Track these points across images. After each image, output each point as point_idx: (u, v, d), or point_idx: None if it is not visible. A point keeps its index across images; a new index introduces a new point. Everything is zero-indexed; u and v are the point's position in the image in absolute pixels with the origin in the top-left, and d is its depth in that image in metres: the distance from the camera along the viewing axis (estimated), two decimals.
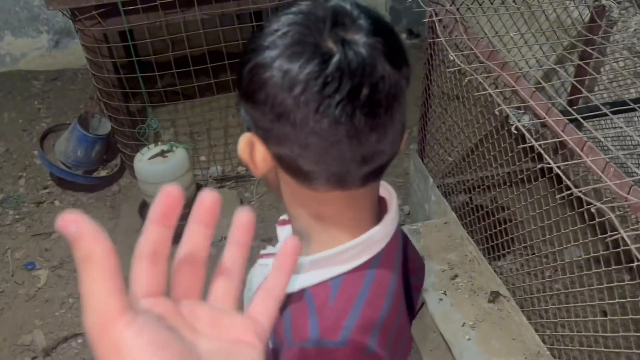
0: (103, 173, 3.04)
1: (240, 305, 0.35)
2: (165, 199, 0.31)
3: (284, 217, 0.74)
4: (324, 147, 0.52)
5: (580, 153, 1.24)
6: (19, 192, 2.96)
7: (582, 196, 1.05)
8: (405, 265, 0.68)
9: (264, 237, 2.54)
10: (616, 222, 1.02)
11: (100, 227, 0.28)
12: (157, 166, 2.47)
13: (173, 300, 0.32)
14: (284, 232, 0.72)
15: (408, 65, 0.54)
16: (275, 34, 0.51)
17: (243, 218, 0.34)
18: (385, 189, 0.66)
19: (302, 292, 0.60)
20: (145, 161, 2.49)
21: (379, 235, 0.61)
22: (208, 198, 0.33)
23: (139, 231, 0.31)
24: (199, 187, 2.69)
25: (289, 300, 0.61)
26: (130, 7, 2.40)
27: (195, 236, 0.33)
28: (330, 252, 0.59)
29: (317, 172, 0.54)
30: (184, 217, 0.32)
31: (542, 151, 1.21)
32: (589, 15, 2.06)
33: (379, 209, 0.64)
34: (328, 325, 0.56)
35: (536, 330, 1.72)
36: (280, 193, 0.62)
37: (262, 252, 0.76)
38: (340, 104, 0.49)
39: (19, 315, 2.36)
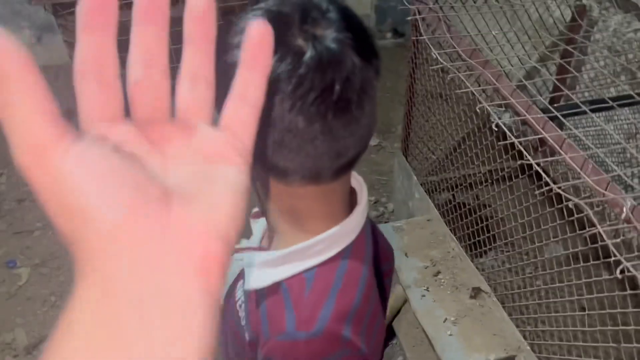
0: None
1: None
2: None
3: (256, 209, 0.74)
4: (299, 145, 0.52)
5: (560, 150, 1.25)
6: (0, 190, 2.92)
7: (561, 192, 1.07)
8: (376, 253, 0.69)
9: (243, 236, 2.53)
10: (593, 218, 1.04)
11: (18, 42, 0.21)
12: None
13: (136, 125, 0.26)
14: (257, 225, 0.73)
15: (377, 57, 0.54)
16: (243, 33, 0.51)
17: (196, 4, 0.27)
18: (356, 180, 0.67)
19: (277, 286, 0.61)
20: None
21: (349, 227, 0.62)
22: None
23: None
24: None
25: (264, 294, 0.61)
26: None
27: (145, 39, 0.26)
28: (303, 245, 0.60)
29: (291, 169, 0.55)
30: None
31: (522, 148, 1.22)
32: (571, 14, 2.09)
33: (350, 201, 0.65)
34: (305, 317, 0.57)
35: (517, 326, 1.75)
36: (254, 187, 0.63)
37: (236, 246, 0.76)
38: (315, 102, 0.49)
39: None
